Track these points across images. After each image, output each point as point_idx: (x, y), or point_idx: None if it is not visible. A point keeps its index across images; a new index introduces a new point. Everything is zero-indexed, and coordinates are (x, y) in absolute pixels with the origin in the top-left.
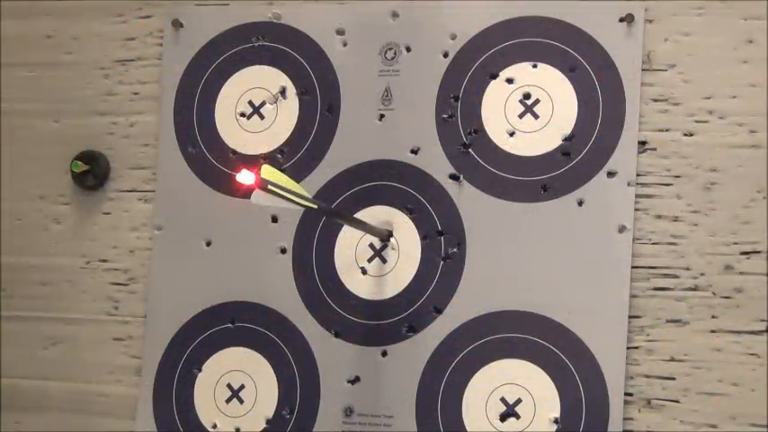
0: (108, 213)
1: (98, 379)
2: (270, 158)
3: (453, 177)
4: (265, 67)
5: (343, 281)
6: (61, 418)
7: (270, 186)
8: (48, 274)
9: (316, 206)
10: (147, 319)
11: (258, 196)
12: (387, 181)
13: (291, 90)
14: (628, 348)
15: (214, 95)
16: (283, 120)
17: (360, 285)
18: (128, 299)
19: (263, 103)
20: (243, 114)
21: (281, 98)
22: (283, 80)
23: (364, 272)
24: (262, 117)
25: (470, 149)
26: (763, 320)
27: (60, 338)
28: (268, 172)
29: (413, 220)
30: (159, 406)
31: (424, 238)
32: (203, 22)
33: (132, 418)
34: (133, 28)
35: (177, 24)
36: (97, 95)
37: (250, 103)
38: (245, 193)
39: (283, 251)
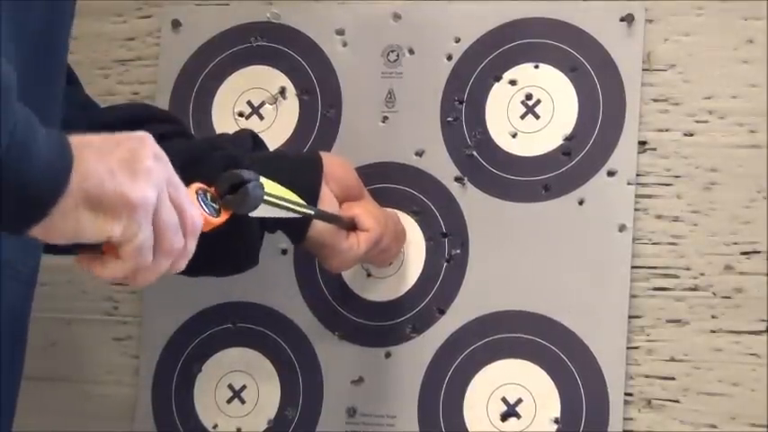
0: None
1: (98, 379)
2: None
3: (458, 180)
4: (264, 68)
5: (347, 282)
6: (61, 419)
7: (266, 197)
8: (47, 274)
9: (312, 212)
10: (144, 318)
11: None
12: (392, 183)
13: (291, 90)
14: (628, 348)
15: (211, 95)
16: (283, 120)
17: (364, 287)
18: (127, 299)
19: (262, 104)
20: (241, 114)
21: (280, 98)
22: (282, 80)
23: (369, 273)
24: (261, 117)
25: (474, 151)
26: (763, 320)
27: (60, 338)
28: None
29: (418, 222)
30: (158, 406)
31: (428, 239)
32: (202, 22)
33: (132, 418)
34: (133, 28)
35: (176, 24)
36: (97, 95)
37: (249, 103)
38: None
39: (284, 252)
